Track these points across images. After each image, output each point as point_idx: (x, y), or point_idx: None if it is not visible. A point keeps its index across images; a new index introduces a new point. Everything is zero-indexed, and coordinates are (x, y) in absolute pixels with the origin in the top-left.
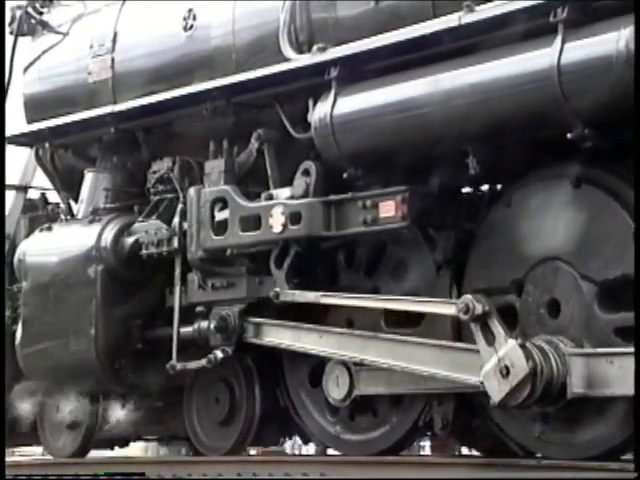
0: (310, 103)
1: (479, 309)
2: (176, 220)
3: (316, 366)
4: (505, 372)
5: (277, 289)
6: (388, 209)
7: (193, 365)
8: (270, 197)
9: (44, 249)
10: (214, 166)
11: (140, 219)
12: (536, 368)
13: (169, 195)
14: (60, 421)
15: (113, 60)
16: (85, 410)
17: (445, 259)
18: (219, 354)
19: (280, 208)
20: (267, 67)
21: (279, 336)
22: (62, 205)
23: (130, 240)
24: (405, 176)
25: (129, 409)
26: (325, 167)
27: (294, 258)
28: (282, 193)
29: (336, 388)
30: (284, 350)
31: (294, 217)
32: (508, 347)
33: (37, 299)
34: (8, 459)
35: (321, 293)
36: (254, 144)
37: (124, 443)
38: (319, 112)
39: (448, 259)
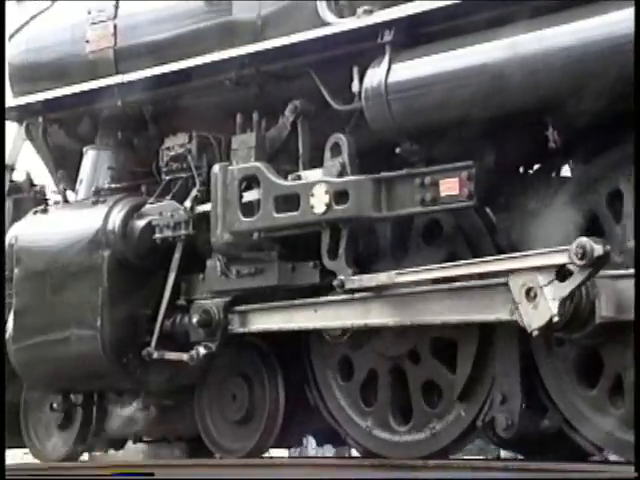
0: (355, 71)
1: (599, 251)
2: (187, 202)
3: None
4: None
5: (341, 277)
6: (451, 187)
7: (172, 356)
8: (298, 179)
9: (40, 233)
10: (242, 141)
11: (151, 200)
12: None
13: (184, 174)
14: (49, 420)
15: (115, 27)
16: (79, 408)
17: (508, 244)
18: (202, 350)
19: (323, 186)
20: (302, 32)
21: (268, 321)
22: (60, 186)
23: (141, 223)
24: (467, 152)
25: (132, 407)
26: (357, 142)
27: (350, 240)
28: (312, 175)
29: None
30: (309, 339)
31: (340, 196)
32: None
33: (32, 288)
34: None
35: (395, 271)
36: (289, 117)
37: (120, 445)
38: (371, 80)
39: (511, 244)
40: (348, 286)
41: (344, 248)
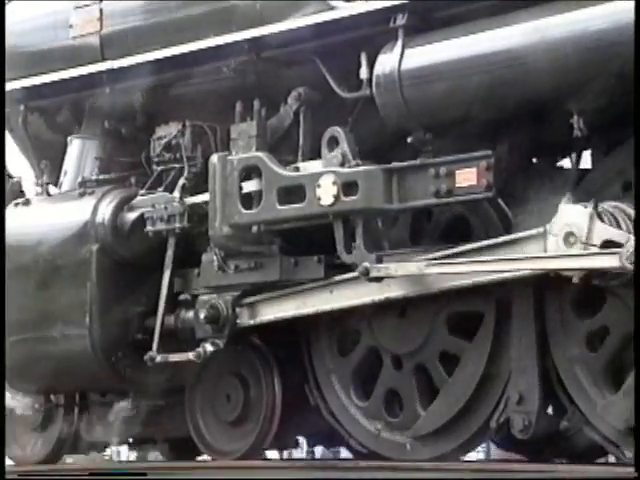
0: (363, 57)
1: None
2: (177, 193)
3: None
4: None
5: (366, 264)
6: (468, 178)
7: (176, 357)
8: (297, 171)
9: (22, 226)
10: (243, 130)
11: (142, 192)
12: None
13: (177, 165)
14: (26, 421)
15: (101, 11)
16: (60, 409)
17: None
18: (209, 347)
19: (331, 177)
20: (308, 16)
21: (280, 309)
22: (44, 177)
23: (132, 215)
24: (484, 142)
25: (117, 408)
26: (363, 131)
27: (365, 228)
28: (312, 167)
29: None
30: (310, 337)
31: (348, 187)
32: None
33: (14, 283)
34: None
35: (424, 262)
36: (292, 105)
37: (102, 448)
38: (382, 66)
39: None
40: (373, 274)
41: (361, 237)
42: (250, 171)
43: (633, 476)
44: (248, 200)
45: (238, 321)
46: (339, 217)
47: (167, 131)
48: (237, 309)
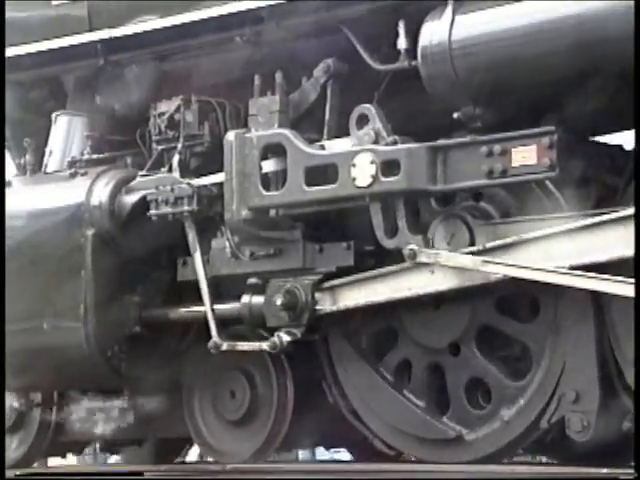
0: (401, 26)
1: None
2: (175, 173)
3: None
4: None
5: (413, 246)
6: (527, 156)
7: (245, 346)
8: (322, 149)
9: (6, 210)
10: (263, 105)
11: (143, 173)
12: None
13: (181, 144)
14: None
15: None
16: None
17: None
18: (285, 337)
19: (368, 155)
20: None
21: (373, 292)
22: (27, 156)
23: (132, 198)
24: (540, 118)
25: (103, 406)
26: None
27: (407, 208)
28: (341, 145)
29: None
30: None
31: (388, 167)
32: None
33: None
34: None
35: (481, 258)
36: (319, 78)
37: (79, 450)
38: (430, 34)
39: None
40: (421, 259)
41: (404, 219)
42: (271, 150)
43: (633, 476)
44: (266, 182)
45: (319, 307)
46: (377, 199)
47: (169, 106)
48: (317, 294)
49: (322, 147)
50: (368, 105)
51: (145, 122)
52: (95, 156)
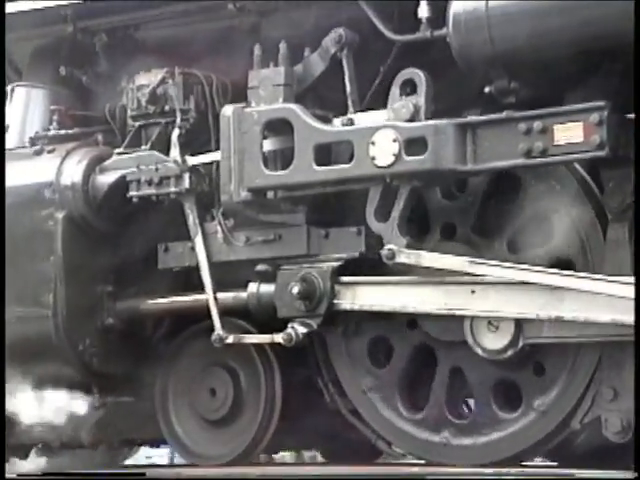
0: None
1: None
2: (175, 151)
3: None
4: None
5: (392, 246)
6: (572, 134)
7: (254, 339)
8: (351, 124)
9: None
10: (265, 77)
11: (119, 150)
12: None
13: (162, 119)
14: None
15: None
16: None
17: (620, 207)
18: (300, 329)
19: (390, 132)
20: None
21: (403, 295)
22: None
23: (108, 178)
24: (579, 95)
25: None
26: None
27: (407, 202)
28: (372, 119)
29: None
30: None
31: (412, 145)
32: None
33: None
34: None
35: (467, 258)
36: (329, 49)
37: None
38: (464, 3)
39: (624, 207)
40: (401, 260)
41: (400, 210)
42: (274, 126)
43: (633, 477)
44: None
45: (337, 301)
46: (400, 180)
47: (150, 79)
48: (336, 287)
49: (351, 121)
50: (417, 70)
51: (117, 96)
52: (63, 132)
